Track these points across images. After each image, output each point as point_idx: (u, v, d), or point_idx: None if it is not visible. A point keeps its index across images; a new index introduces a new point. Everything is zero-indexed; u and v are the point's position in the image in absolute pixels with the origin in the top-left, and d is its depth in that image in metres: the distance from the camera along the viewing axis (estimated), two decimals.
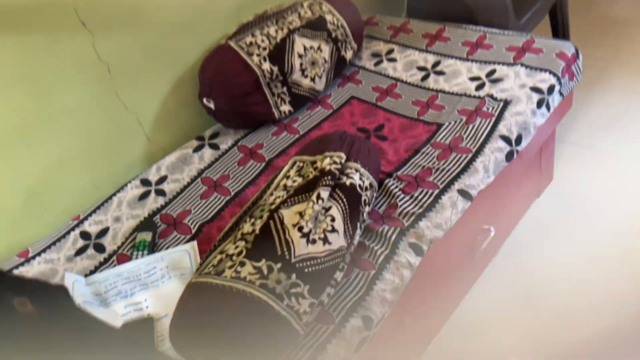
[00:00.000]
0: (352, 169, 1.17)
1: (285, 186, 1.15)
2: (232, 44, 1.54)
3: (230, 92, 1.51)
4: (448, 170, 1.28)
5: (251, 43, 1.55)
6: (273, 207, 1.09)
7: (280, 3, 1.76)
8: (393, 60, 1.73)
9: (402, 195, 1.25)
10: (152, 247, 1.28)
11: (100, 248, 1.31)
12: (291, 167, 1.22)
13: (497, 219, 1.56)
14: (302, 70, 1.60)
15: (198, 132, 1.62)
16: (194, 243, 1.25)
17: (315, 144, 1.27)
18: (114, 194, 1.44)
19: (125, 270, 1.21)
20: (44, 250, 1.32)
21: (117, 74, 1.40)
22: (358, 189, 1.14)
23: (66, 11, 1.26)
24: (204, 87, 1.53)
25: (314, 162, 1.19)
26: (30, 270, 1.27)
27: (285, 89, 1.58)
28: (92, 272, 1.26)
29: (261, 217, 1.08)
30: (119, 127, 1.46)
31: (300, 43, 1.60)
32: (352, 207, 1.11)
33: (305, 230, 1.01)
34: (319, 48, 1.63)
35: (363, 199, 1.14)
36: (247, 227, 1.07)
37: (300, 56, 1.59)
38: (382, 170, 1.33)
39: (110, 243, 1.32)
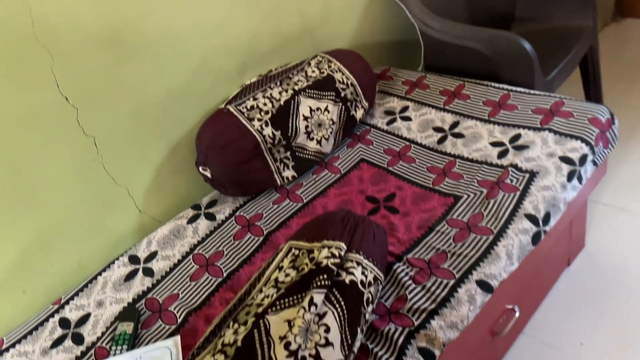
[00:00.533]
0: (353, 261, 1.02)
1: (276, 281, 1.01)
2: (231, 108, 1.43)
3: (228, 160, 1.39)
4: (466, 256, 1.13)
5: (252, 107, 1.44)
6: (260, 310, 0.95)
7: (287, 62, 1.65)
8: (407, 119, 1.59)
9: (413, 286, 1.09)
10: (134, 340, 1.15)
11: (78, 339, 1.19)
12: (285, 255, 1.08)
13: (522, 297, 1.38)
14: (308, 133, 1.47)
15: (195, 200, 1.50)
16: (177, 338, 1.12)
17: (315, 225, 1.13)
18: (100, 273, 1.32)
19: None
20: (19, 341, 1.20)
21: (104, 146, 1.30)
22: (360, 286, 0.99)
23: (47, 85, 1.17)
24: (199, 154, 1.42)
25: (310, 252, 1.05)
26: None
27: (289, 153, 1.45)
28: None
29: (245, 322, 0.94)
30: (107, 201, 1.35)
31: (306, 105, 1.48)
32: (352, 310, 0.96)
33: (293, 347, 0.87)
34: (326, 109, 1.50)
35: (365, 297, 0.99)
36: (228, 336, 0.93)
37: (305, 118, 1.47)
38: (391, 252, 1.18)
39: (89, 333, 1.20)
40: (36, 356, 1.17)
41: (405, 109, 1.63)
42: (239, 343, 0.90)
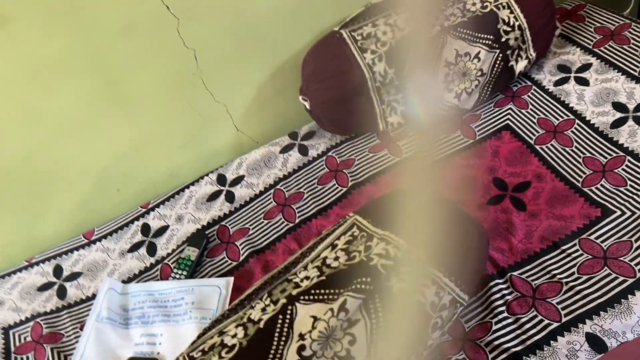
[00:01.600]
0: (428, 277, 0.84)
1: (323, 262, 0.90)
2: (344, 33, 1.24)
3: (327, 96, 1.24)
4: (586, 296, 0.88)
5: (369, 35, 1.23)
6: (294, 292, 0.86)
7: None
8: (584, 82, 1.23)
9: (504, 315, 0.90)
10: (195, 268, 1.15)
11: (152, 250, 1.23)
12: (344, 232, 0.95)
13: None
14: (447, 83, 1.22)
15: (295, 126, 1.40)
16: (230, 280, 1.10)
17: (388, 203, 0.97)
18: (188, 186, 1.33)
19: (158, 290, 1.12)
20: (105, 237, 1.28)
21: (204, 60, 1.23)
22: (429, 309, 0.82)
23: None
24: (302, 82, 1.29)
25: (370, 238, 0.90)
26: (86, 256, 1.25)
27: (400, 96, 1.24)
28: (134, 277, 1.19)
29: (276, 302, 0.86)
30: (204, 115, 1.31)
31: (452, 47, 1.20)
32: (402, 330, 0.82)
33: (306, 353, 0.77)
34: (477, 56, 1.21)
35: (433, 322, 0.83)
36: (257, 310, 0.87)
37: (448, 64, 1.20)
38: (494, 260, 0.98)
39: (162, 247, 1.23)
40: (114, 256, 1.24)
41: (586, 67, 1.25)
42: (262, 325, 0.83)
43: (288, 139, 1.37)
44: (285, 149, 1.34)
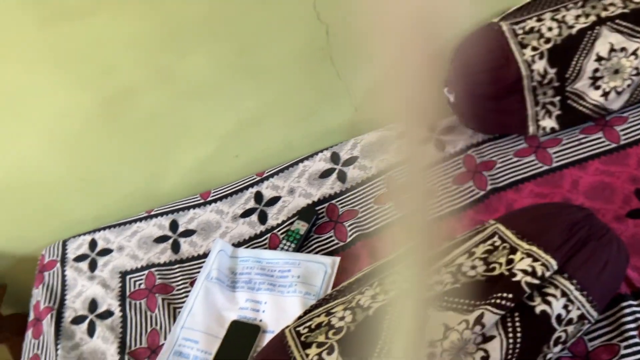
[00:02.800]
0: (558, 288, 0.79)
1: (458, 269, 0.86)
2: (504, 26, 1.16)
3: (476, 91, 1.17)
4: None
5: (532, 29, 1.14)
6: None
7: None
8: None
9: (635, 340, 0.83)
10: (303, 242, 1.17)
11: (263, 218, 1.26)
12: (484, 241, 0.90)
13: None
14: (594, 79, 1.13)
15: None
16: (337, 260, 1.10)
17: (534, 216, 0.91)
18: (302, 160, 1.34)
19: (266, 259, 1.15)
20: (220, 199, 1.33)
21: (336, 37, 1.22)
22: (553, 321, 0.78)
23: None
24: (449, 73, 1.23)
25: (513, 251, 0.85)
26: (201, 215, 1.31)
27: (557, 99, 1.15)
28: (244, 242, 1.23)
29: (388, 291, 0.85)
30: (325, 91, 1.31)
31: (607, 40, 1.10)
32: (530, 345, 0.78)
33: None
34: (634, 53, 1.10)
35: (556, 336, 0.78)
36: (366, 297, 0.86)
37: (599, 59, 1.11)
38: (629, 279, 0.90)
39: (273, 217, 1.26)
40: (227, 219, 1.29)
41: None
42: (371, 312, 0.82)
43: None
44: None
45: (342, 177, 1.28)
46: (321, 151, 1.35)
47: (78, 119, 1.20)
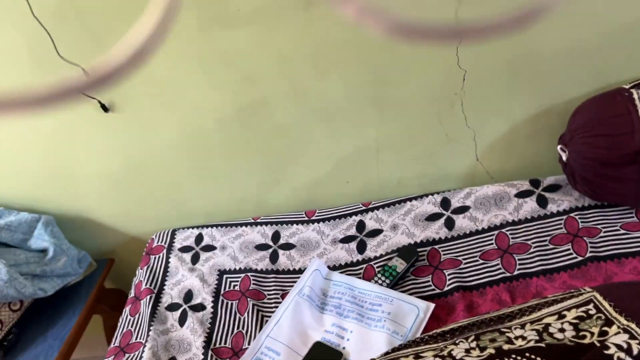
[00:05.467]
0: None
1: (545, 328, 0.84)
2: (634, 93, 1.14)
3: (594, 154, 1.15)
4: None
5: None
6: (506, 347, 0.82)
7: None
8: None
9: None
10: (398, 280, 1.17)
11: (362, 247, 1.29)
12: (578, 306, 0.88)
13: None
14: None
15: (539, 174, 1.33)
16: (431, 306, 1.09)
17: (634, 294, 0.87)
18: (410, 199, 1.35)
19: (358, 288, 1.16)
20: (323, 220, 1.38)
21: (470, 83, 1.23)
22: None
23: (445, 5, 1.14)
24: (567, 131, 1.21)
25: (608, 323, 0.82)
26: (303, 232, 1.36)
27: None
28: (339, 267, 1.25)
29: (483, 349, 0.83)
30: (450, 136, 1.32)
31: None
32: None
33: None
34: None
35: None
36: (459, 349, 0.85)
37: None
38: None
39: (371, 248, 1.28)
40: (327, 241, 1.33)
41: None
42: None
43: (528, 184, 1.30)
44: (522, 194, 1.28)
45: (449, 224, 1.28)
46: (432, 194, 1.36)
47: (210, 119, 1.31)
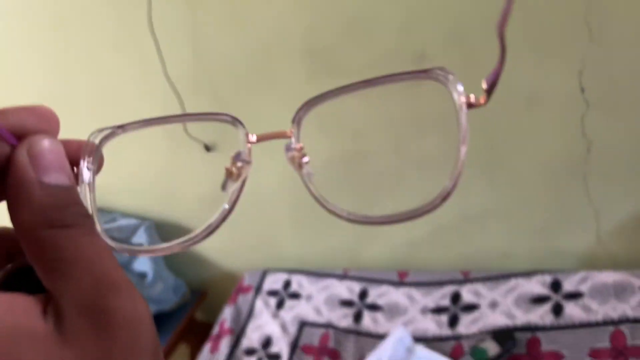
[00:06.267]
0: None
1: None
2: None
3: None
4: None
5: None
6: None
7: None
8: None
9: None
10: None
11: (454, 321, 1.19)
12: None
13: None
14: None
15: None
16: None
17: None
18: (516, 275, 1.23)
19: None
20: (416, 285, 1.30)
21: (597, 157, 1.11)
22: None
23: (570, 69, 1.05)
24: None
25: None
26: (391, 294, 1.29)
27: None
28: (425, 339, 1.17)
29: None
30: (567, 210, 1.20)
31: None
32: None
33: None
34: None
35: None
36: None
37: None
38: None
39: (465, 324, 1.17)
40: (416, 308, 1.24)
41: None
42: None
43: None
44: None
45: (557, 310, 1.14)
46: (541, 272, 1.22)
47: (314, 165, 1.30)
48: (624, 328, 1.05)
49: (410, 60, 1.10)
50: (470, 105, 0.27)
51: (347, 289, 1.34)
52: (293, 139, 0.30)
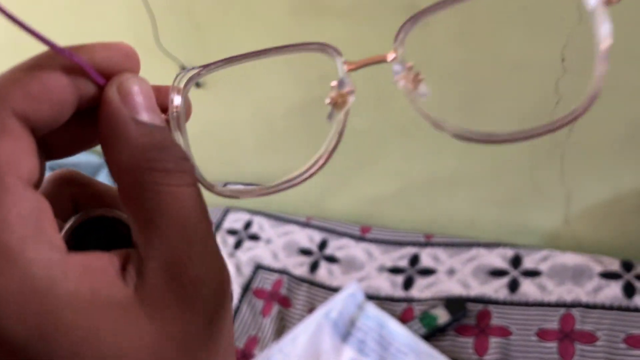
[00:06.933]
0: None
1: None
2: None
3: None
4: None
5: None
6: None
7: None
8: None
9: None
10: (435, 332, 1.06)
11: (409, 284, 1.18)
12: None
13: None
14: None
15: (633, 256, 1.14)
16: None
17: None
18: (478, 245, 1.21)
19: (389, 330, 1.07)
20: (376, 242, 1.28)
21: (578, 137, 1.07)
22: None
23: None
24: None
25: None
26: (351, 248, 1.27)
27: None
28: (376, 298, 1.16)
29: None
30: (538, 187, 1.17)
31: None
32: None
33: None
34: None
35: None
36: None
37: None
38: None
39: (419, 287, 1.17)
40: (373, 265, 1.23)
41: None
42: None
43: (617, 265, 1.12)
44: (607, 275, 1.10)
45: (513, 286, 1.13)
46: (504, 246, 1.21)
47: (281, 107, 1.25)
48: (575, 312, 1.05)
49: (398, 7, 1.03)
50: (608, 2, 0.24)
51: (307, 237, 1.32)
52: (398, 62, 0.27)
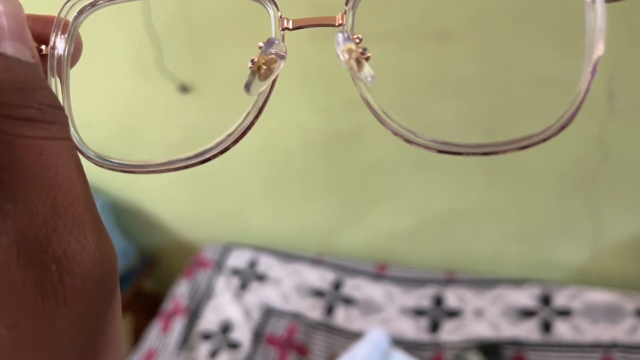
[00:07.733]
0: None
1: None
2: None
3: None
4: None
5: None
6: None
7: None
8: None
9: None
10: None
11: (435, 326, 1.11)
12: None
13: None
14: None
15: None
16: None
17: None
18: (505, 282, 1.16)
19: None
20: (395, 280, 1.21)
21: (611, 169, 1.03)
22: None
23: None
24: None
25: None
26: (368, 288, 1.19)
27: None
28: (401, 343, 1.09)
29: None
30: (566, 220, 1.13)
31: None
32: None
33: None
34: None
35: None
36: None
37: None
38: None
39: (447, 330, 1.10)
40: (394, 306, 1.16)
41: None
42: None
43: None
44: None
45: (546, 326, 1.08)
46: (530, 283, 1.15)
47: (297, 139, 1.18)
48: (615, 353, 1.00)
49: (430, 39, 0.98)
50: None
51: (319, 276, 1.24)
52: (346, 29, 0.21)
